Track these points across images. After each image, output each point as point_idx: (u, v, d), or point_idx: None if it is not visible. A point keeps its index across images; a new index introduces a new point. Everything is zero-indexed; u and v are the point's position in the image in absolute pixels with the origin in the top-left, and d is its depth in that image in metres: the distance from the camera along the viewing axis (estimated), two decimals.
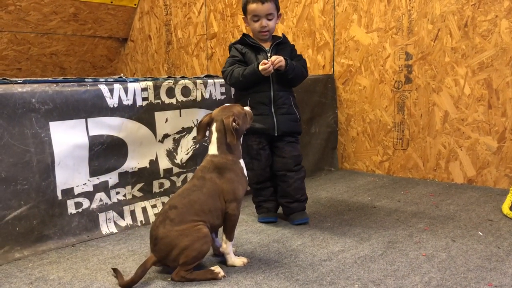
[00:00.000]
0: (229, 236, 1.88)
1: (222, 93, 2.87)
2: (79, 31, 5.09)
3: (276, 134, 2.41)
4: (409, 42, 3.31)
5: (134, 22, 5.40)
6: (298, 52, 2.61)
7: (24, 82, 2.07)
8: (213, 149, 1.90)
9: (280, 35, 2.57)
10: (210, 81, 2.81)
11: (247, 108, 2.05)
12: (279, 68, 2.32)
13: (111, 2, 4.98)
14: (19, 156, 2.04)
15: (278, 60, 2.30)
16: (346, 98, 3.70)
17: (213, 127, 1.91)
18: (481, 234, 2.20)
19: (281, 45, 2.49)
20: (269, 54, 2.42)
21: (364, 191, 3.08)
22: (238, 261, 1.91)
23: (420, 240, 2.13)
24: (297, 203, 2.49)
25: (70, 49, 5.16)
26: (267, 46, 2.47)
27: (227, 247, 1.88)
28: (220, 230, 1.93)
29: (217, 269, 1.77)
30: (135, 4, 5.23)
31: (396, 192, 3.02)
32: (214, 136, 1.90)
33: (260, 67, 2.30)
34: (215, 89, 2.83)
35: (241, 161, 1.93)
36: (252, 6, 2.40)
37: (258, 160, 2.46)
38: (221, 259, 1.94)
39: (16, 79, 2.09)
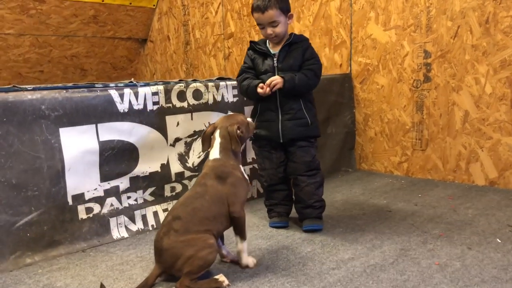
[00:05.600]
0: (242, 236, 1.91)
1: (234, 95, 2.84)
2: (99, 33, 5.14)
3: (281, 141, 2.37)
4: (427, 40, 3.21)
5: (153, 23, 5.42)
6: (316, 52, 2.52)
7: (34, 89, 2.10)
8: (214, 154, 1.90)
9: (297, 33, 2.50)
10: (222, 83, 2.79)
11: (249, 119, 2.08)
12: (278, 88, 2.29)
13: (130, 4, 5.02)
14: (29, 162, 2.06)
15: (274, 83, 2.27)
16: (363, 98, 3.63)
17: (217, 134, 1.92)
18: (500, 241, 2.11)
19: (293, 45, 2.42)
20: (275, 59, 2.37)
21: (381, 193, 3.01)
22: (251, 261, 1.93)
23: (434, 248, 2.06)
24: (311, 209, 2.43)
25: (91, 51, 5.22)
26: (277, 48, 2.41)
27: (242, 246, 1.91)
28: (227, 236, 1.92)
29: (221, 277, 1.75)
30: (153, 5, 5.25)
31: (413, 194, 2.94)
32: (217, 141, 1.91)
33: (258, 90, 2.30)
34: (227, 91, 2.81)
35: (241, 167, 1.95)
36: (255, 15, 2.36)
37: (269, 159, 2.43)
38: (227, 267, 1.92)
39: (26, 86, 2.12)
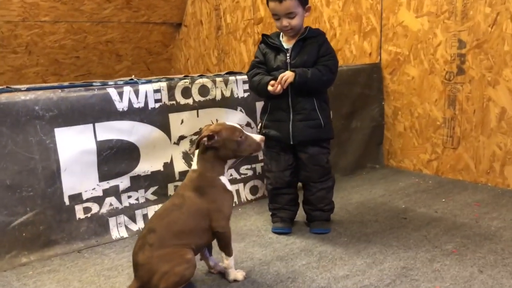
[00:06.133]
0: (227, 252, 1.81)
1: (245, 91, 2.72)
2: (133, 18, 5.14)
3: (291, 143, 2.23)
4: (463, 28, 2.92)
5: (187, 7, 5.35)
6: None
7: (28, 90, 2.08)
8: (194, 164, 1.80)
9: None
10: (231, 78, 2.67)
11: (256, 137, 1.84)
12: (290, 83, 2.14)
13: None
14: (23, 163, 2.06)
15: (284, 79, 2.13)
16: (393, 90, 3.39)
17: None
18: None
19: (308, 40, 2.24)
20: (288, 54, 2.22)
21: (402, 196, 2.81)
22: (240, 275, 1.85)
23: (441, 268, 1.88)
24: (320, 212, 2.33)
25: (125, 36, 5.23)
26: (290, 43, 2.25)
27: (229, 262, 1.82)
28: (216, 248, 1.84)
29: None
30: None
31: (437, 198, 2.72)
32: (196, 151, 1.79)
33: (269, 88, 2.16)
34: (237, 86, 2.70)
35: (222, 178, 1.80)
36: (271, 5, 2.20)
37: (276, 161, 2.31)
38: (212, 280, 1.84)
39: (20, 86, 2.11)
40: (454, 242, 2.12)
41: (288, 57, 2.22)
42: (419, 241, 2.15)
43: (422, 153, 3.27)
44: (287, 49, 2.23)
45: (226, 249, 1.80)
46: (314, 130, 2.23)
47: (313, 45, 2.23)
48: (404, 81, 3.30)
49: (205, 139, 1.74)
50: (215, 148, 1.75)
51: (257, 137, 1.83)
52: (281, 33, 2.30)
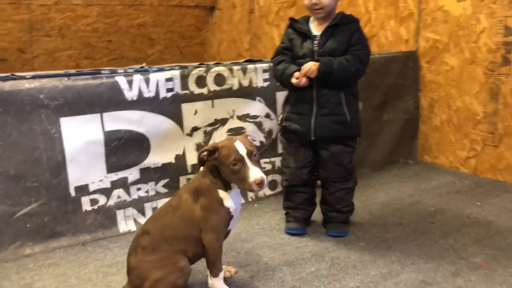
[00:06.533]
0: (212, 272, 1.63)
1: (265, 80, 2.57)
2: (165, 1, 5.05)
3: (312, 138, 2.06)
4: (510, 14, 2.63)
5: None
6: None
7: (33, 78, 2.02)
8: (201, 167, 1.66)
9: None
10: (250, 66, 2.53)
11: (253, 175, 1.51)
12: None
13: None
14: (28, 153, 2.01)
15: (310, 71, 1.96)
16: (430, 80, 3.13)
17: None
18: None
19: (339, 27, 2.04)
20: (316, 42, 2.04)
21: (433, 196, 2.59)
22: None
23: (465, 284, 1.69)
24: (336, 213, 2.17)
25: (157, 20, 5.15)
26: (320, 28, 2.06)
27: (213, 283, 1.64)
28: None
29: None
30: None
31: (472, 201, 2.49)
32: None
33: (293, 81, 2.00)
34: (257, 75, 2.54)
35: (221, 192, 1.60)
36: None
37: (294, 157, 2.16)
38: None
39: (25, 74, 2.04)
40: (484, 254, 1.91)
41: (315, 45, 2.04)
42: (444, 250, 1.95)
43: (459, 149, 3.01)
44: (315, 36, 2.05)
45: (211, 267, 1.63)
46: (339, 126, 2.05)
47: (344, 32, 2.04)
48: (442, 71, 3.04)
49: (205, 153, 1.59)
50: (201, 160, 1.61)
51: (255, 175, 1.50)
52: (311, 18, 2.12)
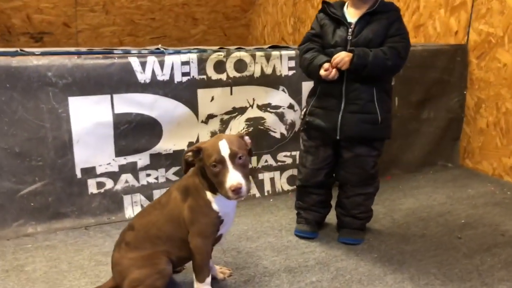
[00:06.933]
0: (198, 277, 1.50)
1: (290, 68, 2.40)
2: None
3: (338, 137, 1.88)
4: None
5: None
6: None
7: (42, 54, 1.96)
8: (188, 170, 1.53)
9: None
10: (274, 53, 2.36)
11: (231, 180, 1.34)
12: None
13: None
14: (33, 131, 1.97)
15: (342, 62, 1.76)
16: (479, 77, 2.84)
17: None
18: None
19: (377, 15, 1.84)
20: (350, 29, 1.84)
21: (467, 207, 2.35)
22: None
23: None
24: (352, 218, 2.00)
25: None
26: (356, 15, 1.86)
27: None
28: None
29: None
30: None
31: (511, 216, 2.23)
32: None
33: (321, 73, 1.81)
34: (281, 62, 2.38)
35: (209, 194, 1.45)
36: None
37: (313, 156, 1.99)
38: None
39: (34, 50, 1.99)
40: None
41: (349, 33, 1.84)
42: (467, 272, 1.74)
43: (505, 156, 2.72)
44: (350, 23, 1.85)
45: (197, 272, 1.49)
46: (368, 126, 1.86)
47: (382, 21, 1.83)
48: (493, 68, 2.74)
49: (189, 154, 1.45)
50: (186, 162, 1.47)
51: (231, 181, 1.33)
52: (347, 3, 1.92)
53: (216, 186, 1.40)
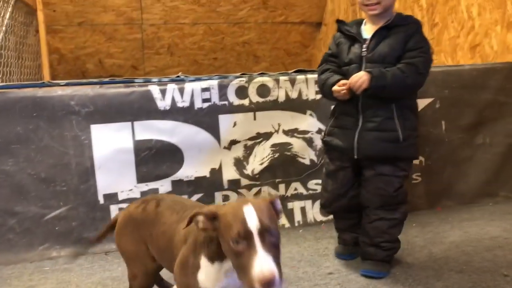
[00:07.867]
0: None
1: (317, 92, 2.31)
2: (270, 18, 5.02)
3: (355, 157, 1.77)
4: None
5: (327, 4, 5.00)
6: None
7: (67, 85, 2.07)
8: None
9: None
10: (300, 77, 2.30)
11: (258, 268, 0.99)
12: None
13: None
14: (58, 157, 2.07)
15: (360, 81, 1.66)
16: None
17: None
18: None
19: (394, 29, 1.75)
20: (365, 45, 1.76)
21: None
22: None
23: None
24: (375, 248, 1.82)
25: (262, 37, 5.14)
26: (372, 31, 1.78)
27: None
28: None
29: None
30: None
31: None
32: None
33: (333, 88, 1.74)
34: (307, 86, 2.31)
35: (203, 258, 1.16)
36: None
37: (333, 180, 1.88)
38: None
39: (59, 81, 2.11)
40: None
41: (364, 49, 1.76)
42: None
43: None
44: (365, 39, 1.77)
45: None
46: (388, 145, 1.73)
47: (399, 35, 1.73)
48: None
49: (200, 217, 1.12)
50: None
51: (261, 268, 0.98)
52: (364, 21, 1.85)
53: (234, 268, 1.06)
